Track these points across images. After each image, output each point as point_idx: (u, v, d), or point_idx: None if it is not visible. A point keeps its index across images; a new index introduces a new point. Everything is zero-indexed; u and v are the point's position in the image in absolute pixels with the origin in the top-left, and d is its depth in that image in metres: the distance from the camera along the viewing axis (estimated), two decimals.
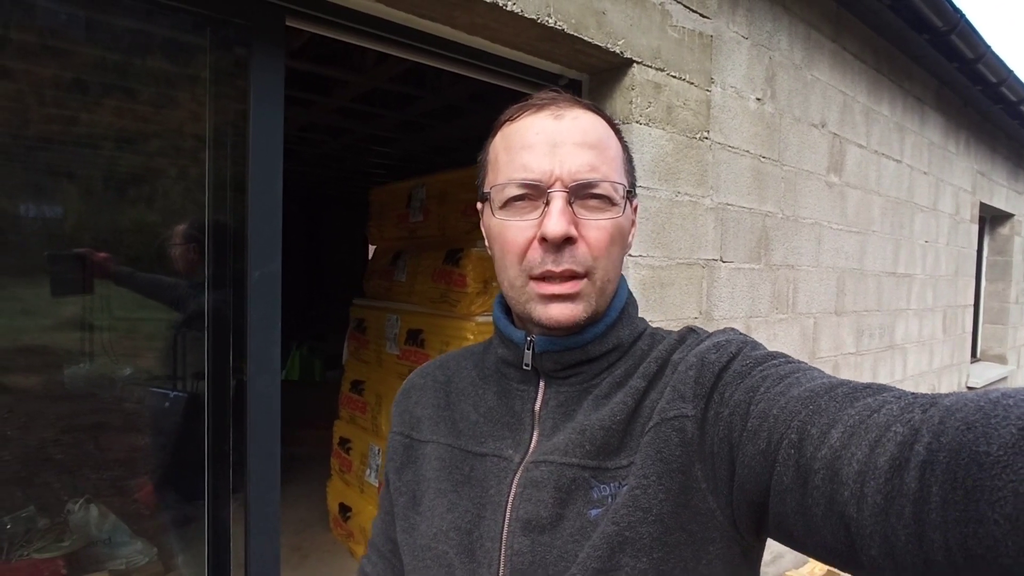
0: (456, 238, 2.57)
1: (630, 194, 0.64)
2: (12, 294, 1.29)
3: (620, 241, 0.63)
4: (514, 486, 0.60)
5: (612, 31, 1.55)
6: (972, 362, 4.68)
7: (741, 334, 0.61)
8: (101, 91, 1.24)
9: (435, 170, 2.96)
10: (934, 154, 3.35)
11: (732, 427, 0.52)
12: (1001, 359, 4.90)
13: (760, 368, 0.55)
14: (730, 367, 0.56)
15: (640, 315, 0.71)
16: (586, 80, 1.74)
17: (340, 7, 1.29)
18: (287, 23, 1.25)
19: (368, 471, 2.90)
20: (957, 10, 2.60)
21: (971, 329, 4.15)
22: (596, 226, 0.60)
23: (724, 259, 1.95)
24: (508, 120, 0.64)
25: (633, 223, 0.67)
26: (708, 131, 1.86)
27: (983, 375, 4.34)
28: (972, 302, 4.12)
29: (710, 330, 0.65)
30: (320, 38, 2.62)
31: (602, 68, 1.68)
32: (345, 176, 6.03)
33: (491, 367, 0.70)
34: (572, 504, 0.57)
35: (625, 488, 0.55)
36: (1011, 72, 3.26)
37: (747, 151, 2.02)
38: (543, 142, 0.60)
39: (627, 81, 1.64)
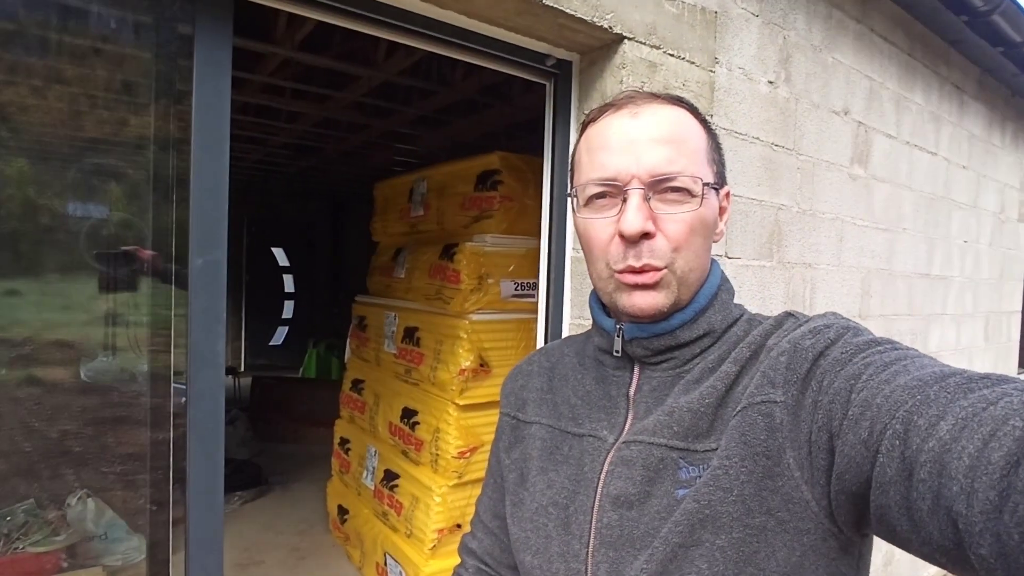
0: (454, 232, 2.47)
1: (716, 183, 0.65)
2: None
3: (703, 231, 0.63)
4: (606, 464, 0.63)
5: (599, 3, 1.42)
6: (1020, 373, 4.36)
7: (843, 318, 0.59)
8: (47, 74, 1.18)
9: (436, 162, 2.87)
10: (975, 147, 3.11)
11: (832, 415, 0.51)
12: None
13: (863, 355, 0.53)
14: (828, 353, 0.55)
15: None
16: (576, 60, 1.62)
17: None
18: None
19: (365, 473, 2.82)
20: None
21: (1018, 338, 3.85)
22: (675, 219, 0.61)
23: (730, 255, 1.80)
24: (590, 121, 0.67)
25: (723, 210, 0.69)
26: (712, 115, 1.72)
27: None
28: (1020, 308, 3.83)
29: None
30: (324, 31, 2.57)
31: (592, 46, 1.55)
32: (370, 173, 6.00)
33: (590, 355, 0.74)
34: (660, 483, 0.59)
35: (709, 469, 0.56)
36: None
37: (757, 138, 1.86)
38: (620, 140, 0.62)
39: (617, 59, 1.51)
